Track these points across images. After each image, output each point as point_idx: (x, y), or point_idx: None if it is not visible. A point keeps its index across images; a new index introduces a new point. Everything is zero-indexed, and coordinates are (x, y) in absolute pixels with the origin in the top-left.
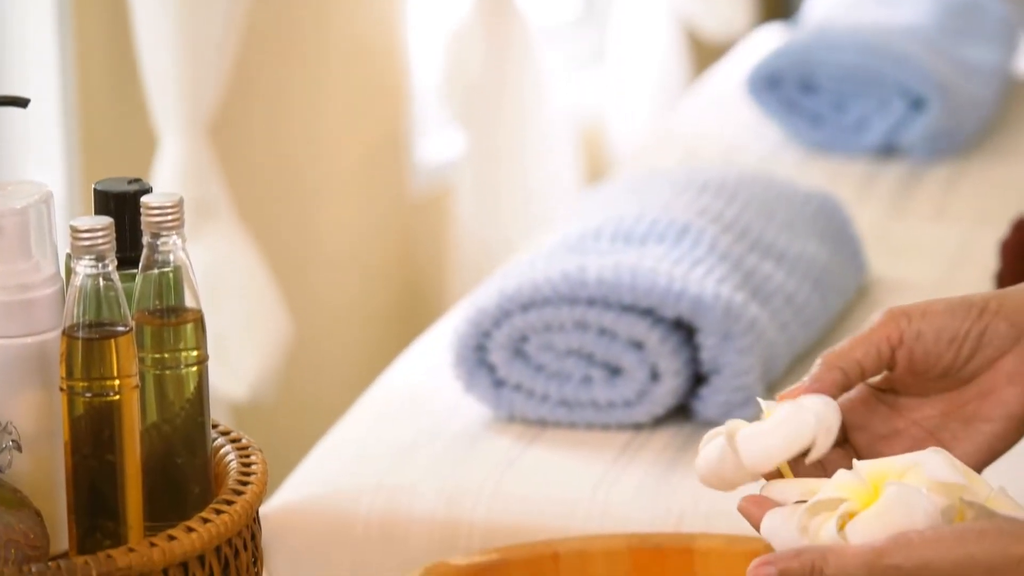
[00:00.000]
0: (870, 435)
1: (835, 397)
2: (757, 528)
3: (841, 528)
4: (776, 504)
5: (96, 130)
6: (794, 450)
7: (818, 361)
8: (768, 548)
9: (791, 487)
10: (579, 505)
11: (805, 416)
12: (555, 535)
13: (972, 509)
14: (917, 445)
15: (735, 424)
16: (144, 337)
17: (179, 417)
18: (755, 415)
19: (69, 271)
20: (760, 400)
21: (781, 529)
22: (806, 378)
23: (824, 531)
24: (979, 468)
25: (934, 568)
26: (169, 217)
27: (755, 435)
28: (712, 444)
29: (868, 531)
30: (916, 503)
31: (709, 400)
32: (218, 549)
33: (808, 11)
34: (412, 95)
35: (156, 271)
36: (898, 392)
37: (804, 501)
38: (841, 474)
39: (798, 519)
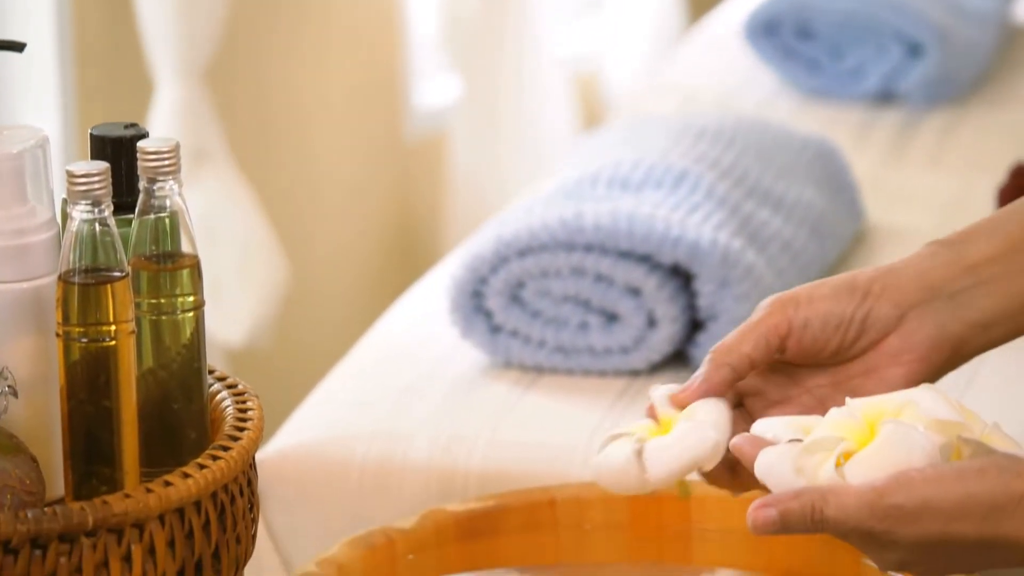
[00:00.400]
0: (764, 401)
1: (725, 394)
2: (750, 467)
3: (838, 468)
4: (769, 443)
5: (92, 75)
6: (696, 464)
7: (707, 358)
8: (764, 491)
9: (783, 426)
10: (576, 452)
11: (705, 432)
12: (552, 482)
13: (969, 446)
14: (807, 411)
15: (642, 431)
16: (140, 282)
17: (175, 363)
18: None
19: (65, 216)
20: (655, 400)
21: (776, 469)
22: (697, 376)
23: (823, 471)
24: None
25: (935, 507)
26: (165, 162)
27: (659, 449)
28: (616, 450)
29: (866, 471)
30: (914, 441)
31: (706, 347)
32: (214, 495)
33: None
34: (409, 40)
35: (152, 216)
36: (790, 363)
37: (798, 439)
38: (834, 412)
39: (793, 459)
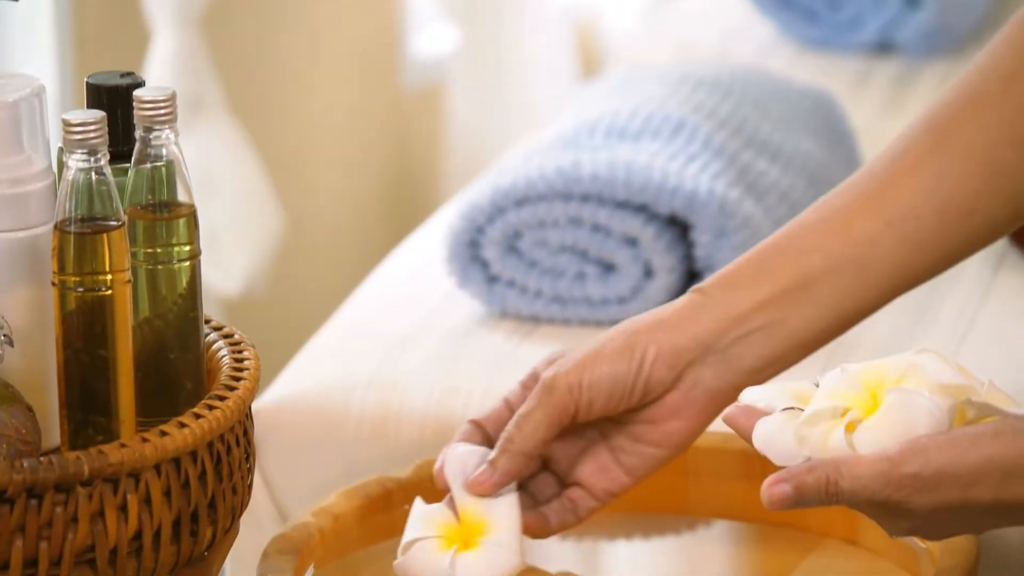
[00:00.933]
0: (567, 457)
1: (517, 478)
2: (747, 438)
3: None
4: (762, 412)
5: (89, 23)
6: None
7: (501, 449)
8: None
9: (776, 393)
10: None
11: (511, 557)
12: None
13: (973, 408)
14: (588, 447)
15: (445, 531)
16: (136, 232)
17: (171, 312)
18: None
19: (61, 165)
20: (453, 488)
21: (776, 440)
22: (494, 467)
23: (832, 442)
24: (636, 481)
25: (952, 473)
26: (162, 111)
27: (468, 564)
28: (427, 556)
29: (875, 439)
30: (921, 407)
31: None
32: (210, 445)
33: None
34: None
35: (149, 165)
36: None
37: (792, 407)
38: (831, 380)
39: (795, 429)
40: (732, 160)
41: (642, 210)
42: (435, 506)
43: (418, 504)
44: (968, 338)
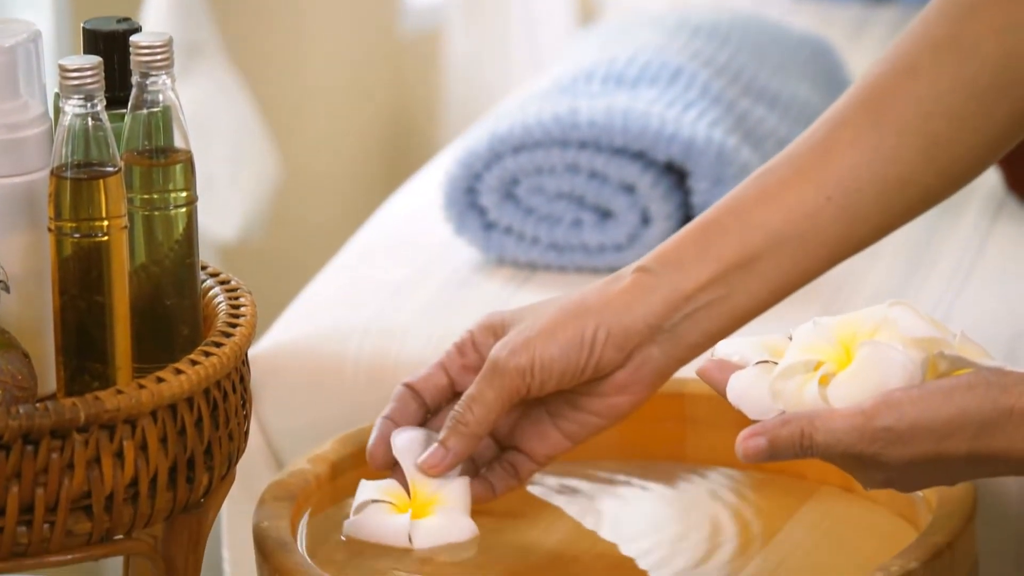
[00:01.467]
0: (506, 423)
1: (468, 456)
2: (721, 392)
3: (820, 390)
4: (737, 366)
5: None
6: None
7: (453, 431)
8: None
9: (749, 347)
10: None
11: (465, 522)
12: None
13: (945, 360)
14: (528, 411)
15: (398, 500)
16: (133, 178)
17: (168, 258)
18: None
19: (58, 111)
20: (403, 462)
21: (750, 393)
22: (447, 448)
23: (806, 395)
24: (575, 444)
25: (926, 426)
26: (158, 57)
27: (426, 530)
28: (381, 516)
29: (848, 392)
30: (894, 360)
31: None
32: (207, 391)
33: None
34: None
35: (145, 111)
36: None
37: (766, 361)
38: (803, 334)
39: (769, 383)
40: (730, 107)
41: (639, 157)
42: (384, 480)
43: (363, 483)
44: (965, 288)
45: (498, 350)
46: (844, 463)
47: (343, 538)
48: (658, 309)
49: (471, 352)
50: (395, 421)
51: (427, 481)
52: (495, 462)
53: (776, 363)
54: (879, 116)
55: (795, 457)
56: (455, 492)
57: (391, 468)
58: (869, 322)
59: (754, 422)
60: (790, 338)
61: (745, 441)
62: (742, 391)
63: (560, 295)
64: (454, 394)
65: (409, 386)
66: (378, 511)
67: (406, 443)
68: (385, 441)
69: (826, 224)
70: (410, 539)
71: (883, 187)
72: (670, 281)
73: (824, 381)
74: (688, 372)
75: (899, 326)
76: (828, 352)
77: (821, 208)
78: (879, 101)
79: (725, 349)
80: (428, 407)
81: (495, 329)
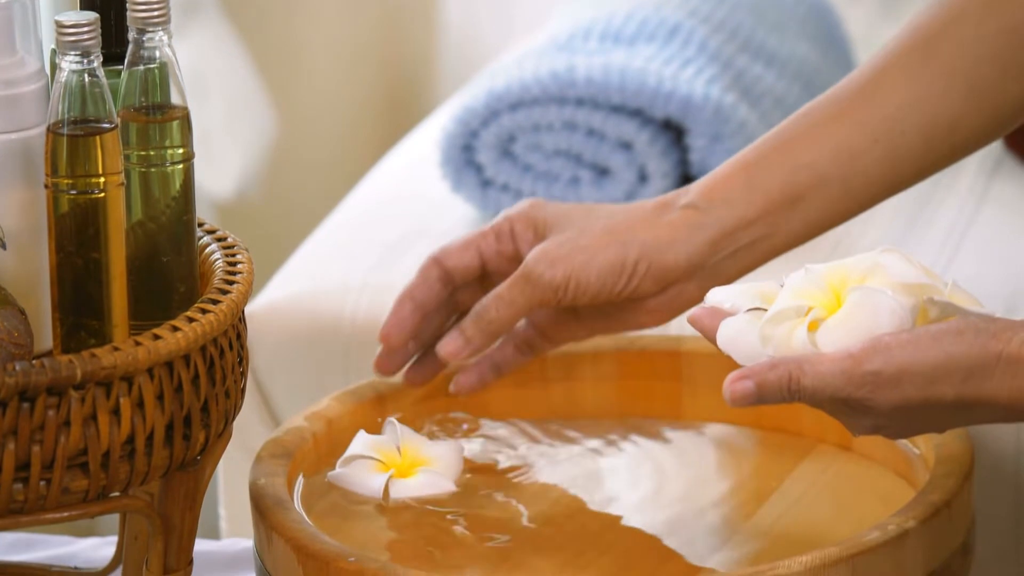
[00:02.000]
0: (542, 317)
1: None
2: (711, 339)
3: (809, 335)
4: (728, 313)
5: None
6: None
7: (477, 325)
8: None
9: (740, 294)
10: None
11: (447, 483)
12: None
13: (936, 307)
14: (563, 311)
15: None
16: (130, 134)
17: (164, 215)
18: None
19: (54, 67)
20: (398, 433)
21: (740, 340)
22: (468, 343)
23: (795, 340)
24: (593, 336)
25: (914, 371)
26: (155, 12)
27: (403, 485)
28: (365, 473)
29: (837, 338)
30: (883, 305)
31: None
32: (203, 349)
33: None
34: None
35: (142, 67)
36: None
37: (757, 308)
38: (795, 280)
39: (759, 328)
40: (727, 65)
41: (637, 115)
42: (380, 436)
43: (361, 434)
44: (962, 246)
45: (536, 259)
46: (833, 408)
47: (327, 479)
48: (703, 249)
49: (507, 241)
50: (415, 299)
51: (420, 443)
52: (508, 339)
53: (766, 310)
54: (927, 59)
55: (783, 401)
56: (445, 457)
57: (400, 353)
58: (860, 268)
59: None
60: (782, 286)
61: (732, 384)
62: (732, 337)
63: (607, 206)
64: (482, 275)
65: (438, 262)
66: (360, 466)
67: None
68: (400, 321)
69: (871, 165)
70: (386, 494)
71: (930, 130)
72: (717, 219)
73: (813, 326)
74: (685, 330)
75: (889, 272)
76: (818, 298)
77: (866, 150)
78: (927, 44)
79: (716, 296)
80: (454, 285)
81: (536, 225)
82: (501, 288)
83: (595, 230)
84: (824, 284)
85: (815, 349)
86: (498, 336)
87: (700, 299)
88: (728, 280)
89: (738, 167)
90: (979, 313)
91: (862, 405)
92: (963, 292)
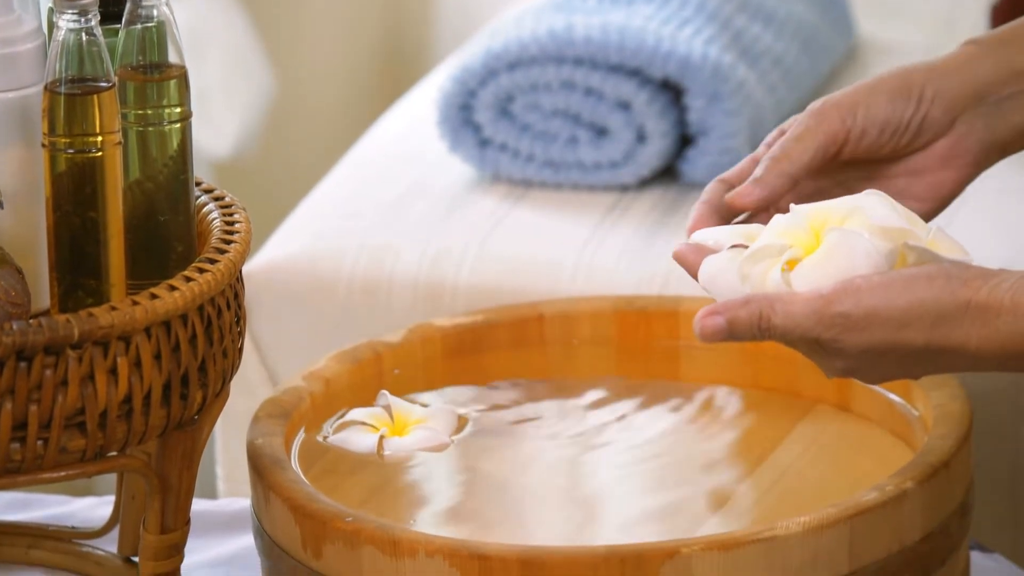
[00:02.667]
0: (795, 194)
1: (778, 199)
2: (694, 275)
3: (784, 275)
4: (712, 251)
5: None
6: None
7: (765, 163)
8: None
9: (725, 233)
10: (564, 267)
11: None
12: (540, 297)
13: (914, 252)
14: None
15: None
16: (127, 93)
17: (162, 174)
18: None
19: (52, 26)
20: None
21: (720, 277)
22: (762, 185)
23: (769, 279)
24: None
25: (883, 315)
26: None
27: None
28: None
29: (812, 278)
30: (859, 248)
31: (696, 162)
32: (201, 308)
33: None
34: None
35: (139, 26)
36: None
37: (740, 246)
38: (779, 219)
39: (738, 266)
40: (726, 25)
41: (635, 74)
42: (373, 408)
43: (353, 411)
44: (961, 207)
45: (822, 100)
46: (805, 348)
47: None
48: (988, 78)
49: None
50: (703, 218)
51: (411, 408)
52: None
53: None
54: None
55: (753, 339)
56: (439, 416)
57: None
58: (842, 210)
59: None
60: None
61: (704, 319)
62: (712, 275)
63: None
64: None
65: (722, 180)
66: (354, 430)
67: None
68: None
69: None
70: (380, 451)
71: None
72: (1001, 55)
73: (791, 265)
74: (681, 289)
75: (869, 215)
76: (799, 237)
77: None
78: None
79: (702, 235)
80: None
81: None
82: (789, 131)
83: (877, 75)
84: (806, 224)
85: (789, 289)
86: (791, 178)
87: (990, 144)
88: (1017, 125)
89: (1019, 21)
90: (954, 260)
91: (831, 346)
92: (946, 238)
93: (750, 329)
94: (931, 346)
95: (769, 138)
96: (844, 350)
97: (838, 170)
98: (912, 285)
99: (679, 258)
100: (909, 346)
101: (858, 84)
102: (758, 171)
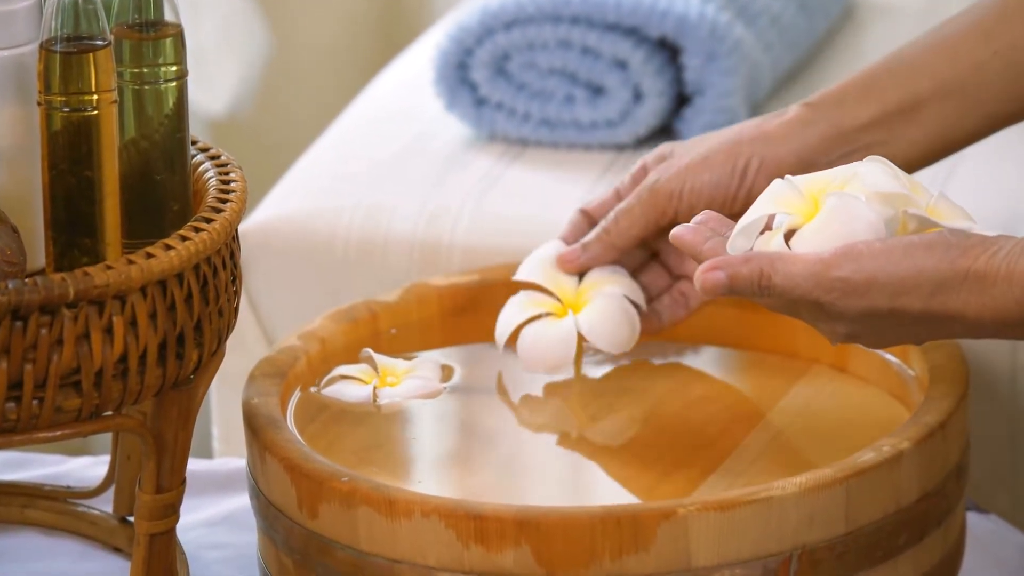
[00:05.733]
0: (676, 252)
1: (606, 264)
2: (694, 256)
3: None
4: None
5: None
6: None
7: (597, 237)
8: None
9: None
10: (560, 226)
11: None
12: None
13: (914, 220)
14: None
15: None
16: (123, 51)
17: (158, 133)
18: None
19: None
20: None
21: (720, 248)
22: (587, 249)
23: (774, 244)
24: None
25: (882, 282)
26: None
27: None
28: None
29: (812, 244)
30: (858, 213)
31: (692, 121)
32: (196, 267)
33: None
34: None
35: None
36: None
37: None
38: (776, 186)
39: (731, 239)
40: None
41: (632, 33)
42: (359, 364)
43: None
44: (958, 168)
45: (656, 174)
46: (806, 312)
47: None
48: (813, 143)
49: (642, 180)
50: (567, 242)
51: (396, 362)
52: (665, 292)
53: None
54: None
55: (752, 297)
56: (425, 366)
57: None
58: (840, 176)
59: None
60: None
61: (705, 273)
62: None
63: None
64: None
65: (584, 212)
66: (345, 384)
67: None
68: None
69: (991, 78)
70: (375, 401)
71: None
72: (830, 117)
73: (790, 234)
74: None
75: (868, 180)
76: (797, 205)
77: (987, 62)
78: None
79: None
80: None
81: (664, 157)
82: (622, 203)
83: (710, 141)
84: (803, 191)
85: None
86: (615, 248)
87: None
88: None
89: (859, 74)
90: (955, 228)
91: (832, 310)
92: (949, 204)
93: (750, 286)
94: (929, 313)
95: (634, 168)
96: (843, 314)
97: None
98: (912, 253)
99: (677, 238)
100: (907, 313)
101: (690, 159)
102: (589, 236)
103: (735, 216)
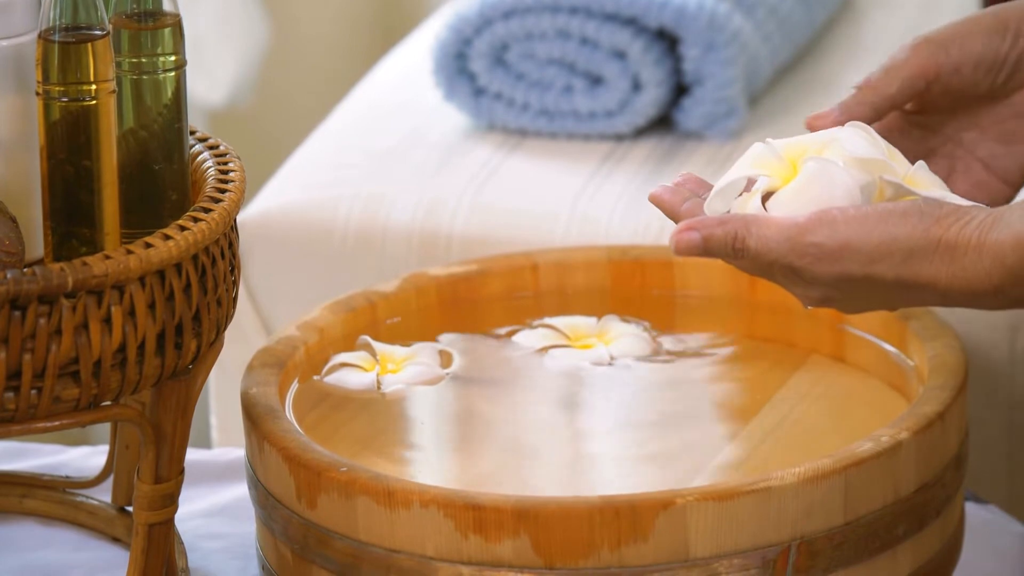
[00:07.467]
0: (907, 157)
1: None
2: (672, 216)
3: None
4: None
5: None
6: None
7: (851, 90)
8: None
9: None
10: (559, 216)
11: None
12: (534, 246)
13: (891, 187)
14: (955, 161)
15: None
16: (121, 41)
17: (156, 123)
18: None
19: None
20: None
21: (698, 209)
22: (841, 108)
23: (750, 206)
24: (1015, 189)
25: (855, 248)
26: None
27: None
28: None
29: (788, 207)
30: (836, 178)
31: (691, 111)
32: (195, 257)
33: None
34: None
35: None
36: (928, 112)
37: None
38: (757, 148)
39: (710, 196)
40: None
41: (631, 23)
42: (357, 352)
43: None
44: None
45: (917, 36)
46: (781, 277)
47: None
48: None
49: None
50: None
51: (393, 350)
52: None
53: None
54: None
55: (727, 258)
56: (424, 352)
57: None
58: (818, 141)
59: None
60: None
61: (679, 234)
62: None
63: None
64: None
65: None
66: (348, 371)
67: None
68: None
69: None
70: (379, 388)
71: None
72: None
73: (767, 197)
74: None
75: (847, 146)
76: (776, 168)
77: None
78: None
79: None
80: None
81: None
82: (884, 62)
83: (970, 16)
84: (782, 155)
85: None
86: (872, 107)
87: None
88: None
89: None
90: (930, 197)
91: (806, 275)
92: (926, 173)
93: (724, 248)
94: (902, 281)
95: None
96: (817, 279)
97: (941, 125)
98: (886, 220)
99: (655, 199)
100: (880, 280)
101: (952, 22)
102: (845, 97)
103: (1002, 87)
